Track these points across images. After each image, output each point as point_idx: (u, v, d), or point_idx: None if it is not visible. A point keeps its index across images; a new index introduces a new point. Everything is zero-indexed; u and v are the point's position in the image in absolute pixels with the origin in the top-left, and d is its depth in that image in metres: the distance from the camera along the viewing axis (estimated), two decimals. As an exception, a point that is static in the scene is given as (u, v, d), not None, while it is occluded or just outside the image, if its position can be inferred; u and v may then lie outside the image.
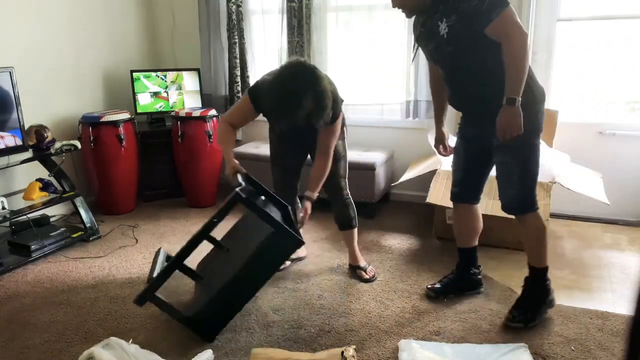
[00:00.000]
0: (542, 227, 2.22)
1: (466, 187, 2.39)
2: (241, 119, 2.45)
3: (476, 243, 2.50)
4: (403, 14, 2.21)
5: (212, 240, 2.47)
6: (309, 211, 2.43)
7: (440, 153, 2.54)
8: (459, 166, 2.38)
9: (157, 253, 2.49)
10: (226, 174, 2.37)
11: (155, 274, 2.23)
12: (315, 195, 2.45)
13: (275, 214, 2.29)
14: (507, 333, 2.21)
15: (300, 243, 2.21)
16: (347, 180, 2.68)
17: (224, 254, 2.46)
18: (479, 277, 2.54)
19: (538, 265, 2.25)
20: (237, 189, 2.10)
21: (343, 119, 2.62)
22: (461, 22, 1.97)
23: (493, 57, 1.98)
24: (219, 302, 2.18)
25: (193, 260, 2.98)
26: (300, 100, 2.10)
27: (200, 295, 2.35)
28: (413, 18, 2.24)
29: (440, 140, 2.50)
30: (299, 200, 2.85)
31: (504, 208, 2.23)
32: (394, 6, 2.19)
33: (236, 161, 2.36)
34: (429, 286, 2.52)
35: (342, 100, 2.54)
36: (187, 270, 2.42)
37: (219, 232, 2.52)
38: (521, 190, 2.14)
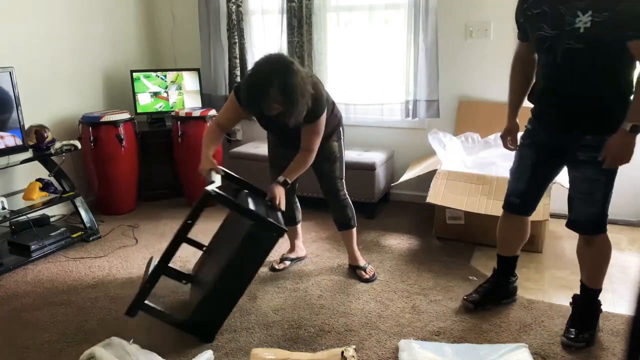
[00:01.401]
0: (610, 249, 2.09)
1: (527, 199, 2.22)
2: (229, 116, 2.40)
3: (519, 252, 2.39)
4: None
5: (191, 242, 2.48)
6: (276, 194, 2.30)
7: (506, 146, 2.30)
8: (523, 175, 2.18)
9: (149, 262, 2.45)
10: (200, 169, 2.29)
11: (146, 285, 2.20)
12: (286, 180, 2.35)
13: (260, 207, 2.24)
14: (507, 333, 2.21)
15: (282, 231, 2.14)
16: (344, 181, 2.67)
17: (214, 253, 2.44)
18: (516, 285, 2.46)
19: (595, 287, 2.13)
20: (207, 187, 2.07)
21: (340, 119, 2.61)
22: (611, 23, 1.74)
23: (620, 72, 1.85)
24: (210, 302, 2.16)
25: (189, 265, 2.99)
26: (267, 87, 2.04)
27: (192, 297, 2.35)
28: None
29: (510, 131, 2.26)
30: (297, 200, 2.85)
31: (575, 225, 2.07)
32: None
33: (213, 160, 2.31)
34: (465, 297, 2.41)
35: (332, 102, 2.52)
36: (172, 274, 2.40)
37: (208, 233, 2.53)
38: (602, 209, 2.00)
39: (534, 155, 2.13)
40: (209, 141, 2.38)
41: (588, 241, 2.09)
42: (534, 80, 2.14)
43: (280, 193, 2.31)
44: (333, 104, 2.55)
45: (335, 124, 2.56)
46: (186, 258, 3.00)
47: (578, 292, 2.20)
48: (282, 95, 2.06)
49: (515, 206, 2.26)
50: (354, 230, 2.75)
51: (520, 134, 2.26)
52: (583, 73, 1.89)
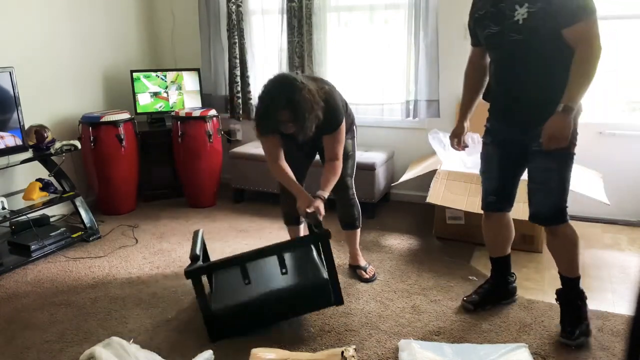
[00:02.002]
0: (575, 237, 2.11)
1: (503, 195, 2.26)
2: (270, 149, 2.42)
3: (510, 250, 2.40)
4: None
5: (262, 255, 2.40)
6: (321, 209, 2.36)
7: (453, 146, 2.41)
8: (493, 173, 2.23)
9: (196, 233, 2.47)
10: (300, 207, 2.36)
11: (197, 251, 2.26)
12: (325, 194, 2.41)
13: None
14: (507, 333, 2.21)
15: (339, 303, 2.25)
16: (354, 180, 2.68)
17: (270, 266, 2.42)
18: (514, 285, 2.46)
19: (573, 275, 2.16)
20: (325, 229, 2.22)
21: (353, 119, 2.64)
22: (545, 12, 1.83)
23: (560, 60, 1.89)
24: (249, 311, 2.21)
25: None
26: (275, 109, 2.14)
27: (229, 295, 2.31)
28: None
29: (457, 134, 2.36)
30: None
31: (536, 217, 2.11)
32: None
33: (309, 196, 2.37)
34: (465, 298, 2.42)
35: (346, 106, 2.54)
36: (244, 272, 2.32)
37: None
38: (560, 198, 2.04)
39: (499, 152, 2.19)
40: (287, 179, 2.42)
41: (553, 232, 2.12)
42: (487, 80, 2.22)
43: (321, 206, 2.35)
44: (346, 104, 2.57)
45: (349, 122, 2.59)
46: (186, 258, 3.00)
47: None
48: (291, 113, 2.14)
49: (493, 204, 2.29)
50: (358, 231, 2.76)
51: (473, 136, 2.33)
52: (526, 65, 1.96)
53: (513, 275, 2.47)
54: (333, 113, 2.32)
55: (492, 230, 2.37)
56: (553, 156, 1.98)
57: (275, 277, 2.32)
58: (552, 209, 2.06)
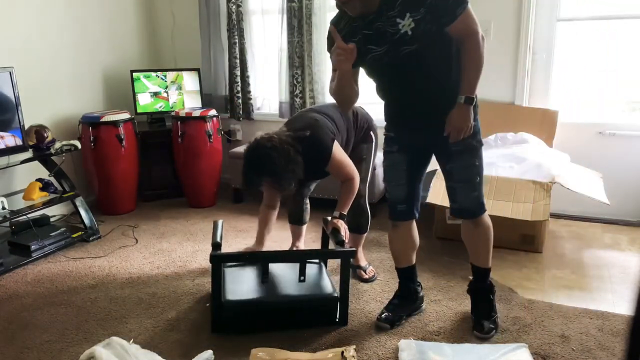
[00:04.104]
0: (491, 227, 2.18)
1: (412, 202, 2.22)
2: (267, 194, 2.55)
3: (415, 259, 2.35)
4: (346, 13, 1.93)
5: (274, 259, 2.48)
6: (340, 226, 2.41)
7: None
8: (402, 181, 2.18)
9: (216, 223, 2.49)
10: (329, 229, 2.46)
11: (218, 239, 2.30)
12: (342, 214, 2.46)
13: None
14: (507, 333, 2.21)
15: (343, 324, 2.27)
16: (367, 186, 2.69)
17: (284, 270, 2.44)
18: (422, 294, 2.41)
19: (486, 266, 2.24)
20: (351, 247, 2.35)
21: (369, 123, 2.67)
22: (430, 16, 1.84)
23: (450, 56, 1.94)
24: (258, 310, 2.24)
25: (189, 264, 2.98)
26: (255, 179, 2.31)
27: (242, 290, 2.31)
28: (328, 27, 2.01)
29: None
30: (308, 202, 2.85)
31: (461, 213, 2.14)
32: (337, 5, 1.93)
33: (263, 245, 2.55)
34: (382, 316, 2.29)
35: (355, 111, 2.59)
36: (265, 270, 2.36)
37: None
38: (480, 191, 2.10)
39: (407, 158, 2.17)
40: (263, 225, 2.58)
41: (475, 223, 2.16)
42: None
43: (342, 224, 2.43)
44: (356, 113, 2.61)
45: (364, 127, 2.64)
46: (186, 258, 3.00)
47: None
48: (269, 179, 2.28)
49: (403, 213, 2.23)
50: (364, 236, 2.78)
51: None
52: (421, 71, 1.96)
53: (419, 284, 2.42)
54: (318, 147, 2.34)
55: (401, 239, 2.30)
56: (472, 151, 2.03)
57: (288, 282, 2.35)
58: (475, 201, 2.11)
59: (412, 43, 1.88)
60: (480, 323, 2.20)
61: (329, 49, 2.03)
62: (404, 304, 2.35)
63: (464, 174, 2.08)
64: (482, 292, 2.27)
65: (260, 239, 2.58)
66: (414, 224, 2.30)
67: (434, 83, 1.99)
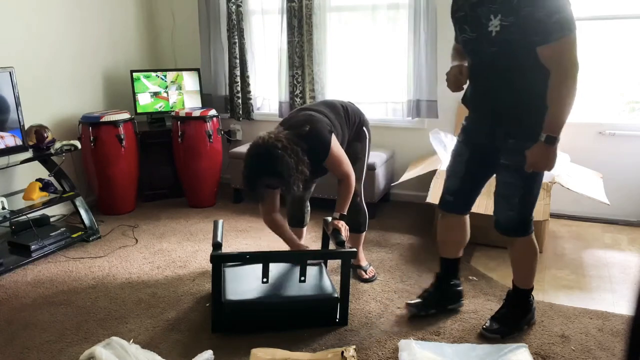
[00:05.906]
0: (533, 251, 2.11)
1: (461, 197, 2.21)
2: (263, 204, 2.46)
3: (461, 254, 2.35)
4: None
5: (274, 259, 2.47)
6: (340, 227, 2.39)
7: (448, 86, 2.10)
8: (457, 173, 2.17)
9: (216, 222, 2.49)
10: (329, 230, 2.43)
11: (219, 239, 2.30)
12: (342, 215, 2.44)
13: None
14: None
15: (343, 324, 2.27)
16: (362, 185, 2.67)
17: (284, 270, 2.45)
18: (460, 288, 2.40)
19: (523, 287, 2.18)
20: (350, 247, 2.34)
21: (360, 120, 2.64)
22: (517, 27, 1.74)
23: (535, 76, 1.82)
24: (259, 310, 2.24)
25: (190, 264, 2.98)
26: (260, 182, 2.21)
27: (242, 290, 2.31)
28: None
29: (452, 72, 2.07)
30: (309, 204, 2.85)
31: (497, 226, 2.09)
32: None
33: (301, 245, 2.51)
34: (409, 302, 2.35)
35: (345, 106, 2.56)
36: (266, 271, 2.34)
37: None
38: (521, 213, 2.02)
39: (468, 153, 2.14)
40: (281, 231, 2.49)
41: (510, 242, 2.13)
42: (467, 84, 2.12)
43: (343, 225, 2.40)
44: (346, 108, 2.57)
45: (356, 122, 2.60)
46: (186, 258, 3.00)
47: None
48: (276, 181, 2.19)
49: (449, 204, 2.24)
50: (363, 234, 2.78)
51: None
52: (499, 75, 1.91)
53: (459, 279, 2.41)
54: (318, 143, 2.29)
55: (446, 230, 2.31)
56: (519, 172, 1.93)
57: (289, 282, 2.35)
58: (511, 222, 2.05)
59: (493, 45, 1.84)
60: (488, 322, 2.20)
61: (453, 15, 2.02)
62: (438, 296, 2.35)
63: (503, 189, 2.03)
64: (514, 307, 2.22)
65: (291, 239, 2.49)
66: (463, 219, 2.28)
67: (505, 94, 1.92)
